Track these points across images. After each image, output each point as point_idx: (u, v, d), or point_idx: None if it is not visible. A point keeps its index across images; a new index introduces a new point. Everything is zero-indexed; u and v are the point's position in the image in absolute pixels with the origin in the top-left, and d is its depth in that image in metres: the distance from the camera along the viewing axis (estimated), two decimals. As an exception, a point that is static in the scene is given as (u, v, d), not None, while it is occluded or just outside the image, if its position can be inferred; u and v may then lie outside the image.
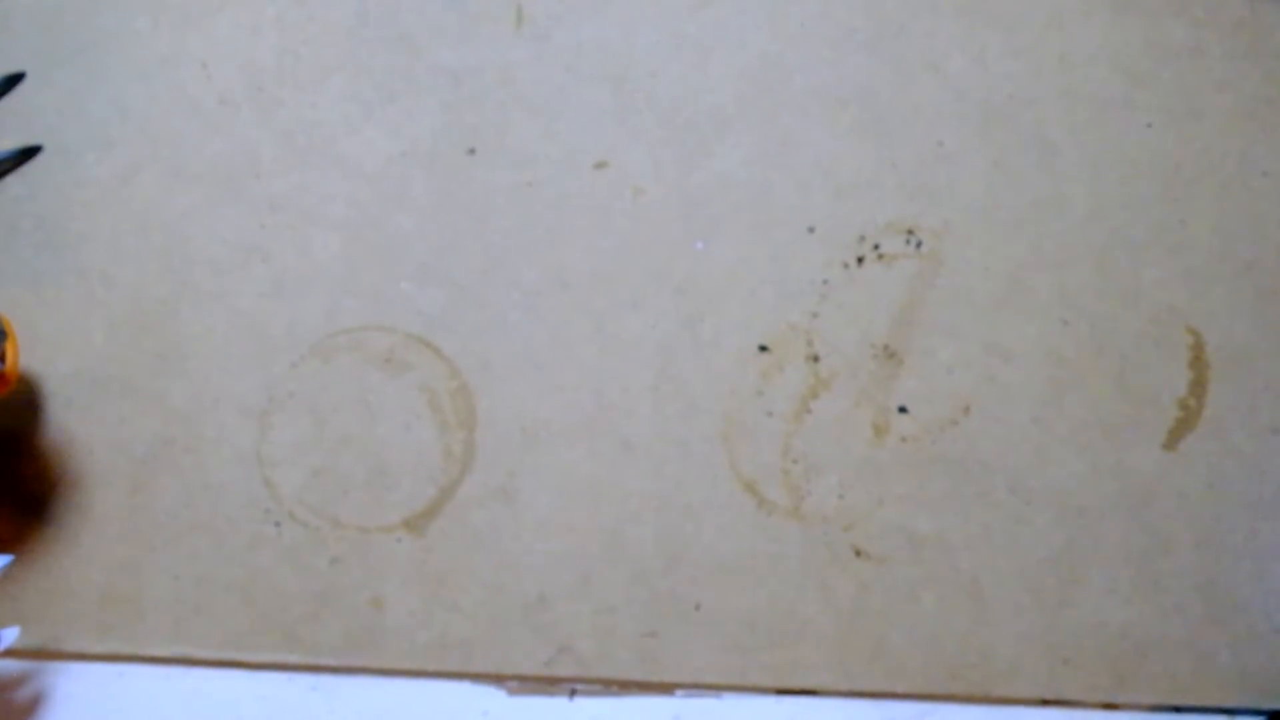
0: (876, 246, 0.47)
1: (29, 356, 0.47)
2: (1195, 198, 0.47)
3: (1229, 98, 0.47)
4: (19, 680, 0.46)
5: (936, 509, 0.45)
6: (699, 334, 0.47)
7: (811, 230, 0.48)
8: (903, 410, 0.46)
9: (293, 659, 0.46)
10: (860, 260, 0.47)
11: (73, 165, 0.49)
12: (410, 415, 0.47)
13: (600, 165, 0.49)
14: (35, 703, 0.46)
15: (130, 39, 0.50)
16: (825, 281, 0.47)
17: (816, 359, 0.47)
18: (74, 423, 0.47)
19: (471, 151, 0.49)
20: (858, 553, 0.45)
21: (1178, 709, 0.45)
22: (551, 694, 0.45)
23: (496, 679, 0.45)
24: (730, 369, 0.47)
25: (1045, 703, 0.45)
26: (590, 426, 0.46)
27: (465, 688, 0.46)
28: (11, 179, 0.49)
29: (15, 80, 0.50)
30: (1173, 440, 0.47)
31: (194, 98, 0.49)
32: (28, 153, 0.49)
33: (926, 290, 0.47)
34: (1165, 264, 0.47)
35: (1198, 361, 0.47)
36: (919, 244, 0.47)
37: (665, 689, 0.45)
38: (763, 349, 0.47)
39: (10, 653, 0.46)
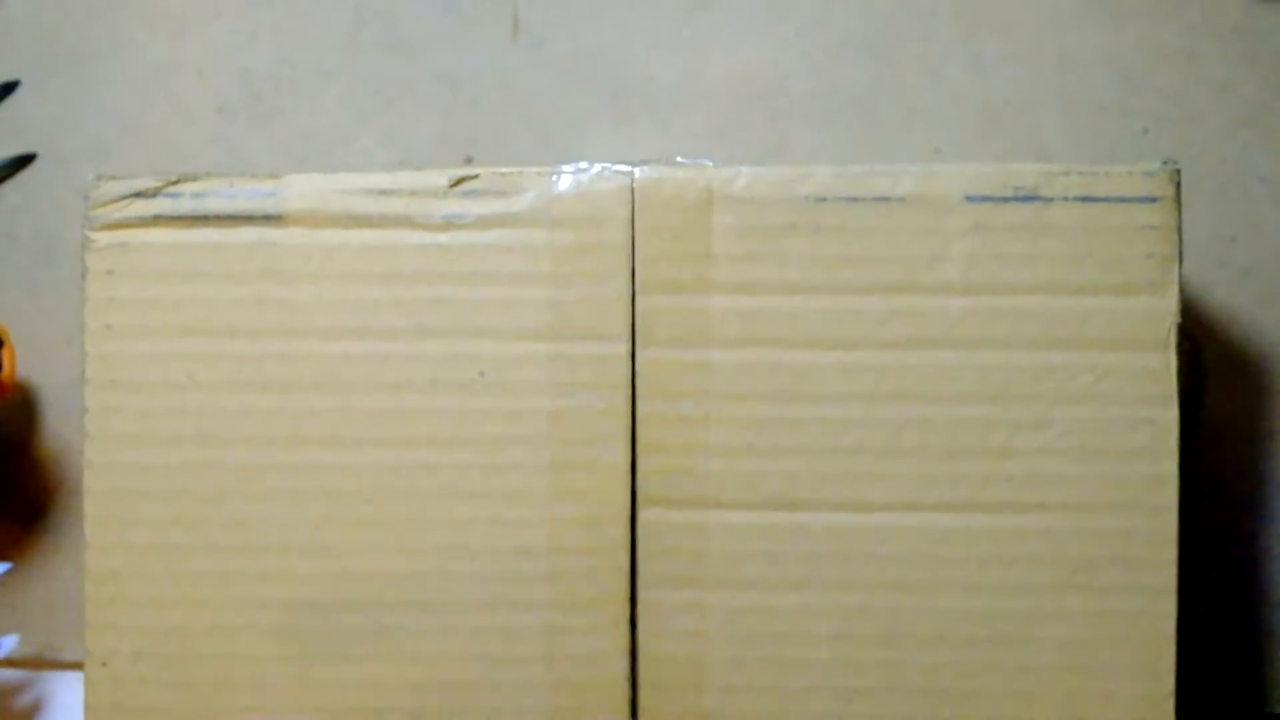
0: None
1: (26, 365, 0.48)
2: (1192, 202, 0.47)
3: (1226, 102, 0.47)
4: (17, 688, 0.46)
5: None
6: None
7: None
8: None
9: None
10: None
11: (70, 174, 0.49)
12: None
13: (597, 172, 0.49)
14: (33, 711, 0.46)
15: (127, 48, 0.50)
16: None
17: None
18: (71, 431, 0.47)
19: (469, 159, 0.49)
20: None
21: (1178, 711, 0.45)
22: None
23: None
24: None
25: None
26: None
27: None
28: (9, 188, 0.49)
29: (10, 88, 0.50)
30: (1171, 446, 0.46)
31: (191, 106, 0.50)
32: (22, 161, 0.49)
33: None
34: (1163, 269, 0.47)
35: (1197, 366, 0.47)
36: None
37: None
38: None
39: (8, 661, 0.46)
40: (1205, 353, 0.47)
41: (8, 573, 0.44)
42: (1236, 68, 0.47)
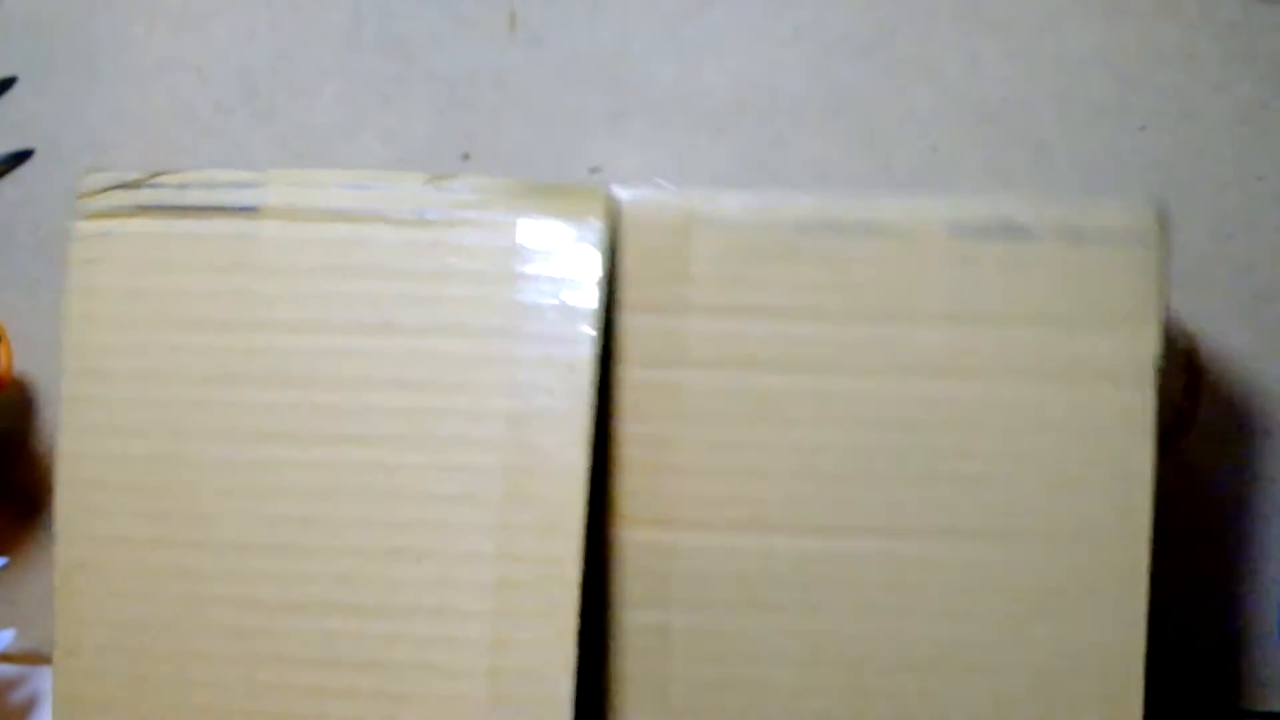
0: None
1: (24, 360, 0.48)
2: (1190, 201, 0.47)
3: (1223, 100, 0.47)
4: (14, 683, 0.46)
5: None
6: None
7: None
8: None
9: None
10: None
11: (68, 170, 0.49)
12: None
13: (594, 170, 0.49)
14: (30, 706, 0.46)
15: (125, 44, 0.50)
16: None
17: None
18: (68, 427, 0.47)
19: (466, 156, 0.49)
20: None
21: (1177, 710, 0.45)
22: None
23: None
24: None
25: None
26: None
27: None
28: (6, 184, 0.49)
29: (7, 84, 0.50)
30: (1167, 443, 0.46)
31: (189, 103, 0.50)
32: (19, 157, 0.49)
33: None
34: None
35: (1192, 364, 0.47)
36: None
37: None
38: None
39: (5, 656, 0.46)
40: (1201, 350, 0.47)
41: (4, 567, 0.44)
42: (1234, 66, 0.47)
